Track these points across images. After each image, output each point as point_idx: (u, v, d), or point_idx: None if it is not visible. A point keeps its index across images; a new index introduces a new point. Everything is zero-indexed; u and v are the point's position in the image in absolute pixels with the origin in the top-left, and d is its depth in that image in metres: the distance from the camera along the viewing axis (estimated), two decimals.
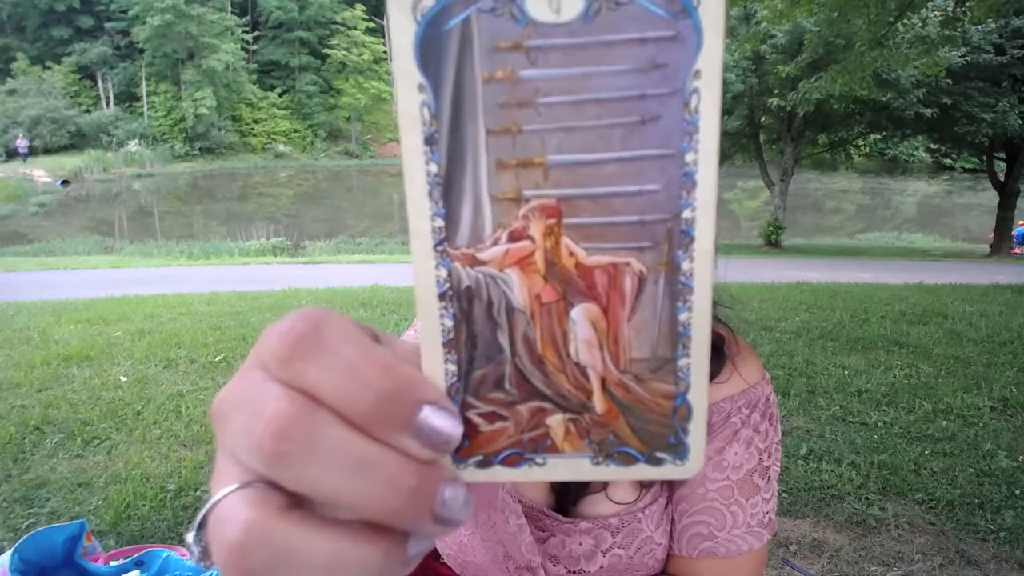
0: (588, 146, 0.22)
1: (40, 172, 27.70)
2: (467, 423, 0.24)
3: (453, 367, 0.24)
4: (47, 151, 31.70)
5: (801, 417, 3.60)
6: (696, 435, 0.24)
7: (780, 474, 0.95)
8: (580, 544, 0.78)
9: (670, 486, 0.79)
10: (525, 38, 0.21)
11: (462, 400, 0.24)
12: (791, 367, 4.40)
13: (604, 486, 0.77)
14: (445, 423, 0.22)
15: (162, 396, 3.76)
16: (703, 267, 0.23)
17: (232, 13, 38.57)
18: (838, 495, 2.78)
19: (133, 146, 33.27)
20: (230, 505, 0.21)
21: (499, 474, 0.25)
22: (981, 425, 3.50)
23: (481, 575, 0.75)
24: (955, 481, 2.90)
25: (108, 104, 36.61)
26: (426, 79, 0.22)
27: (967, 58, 12.31)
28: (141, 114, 36.18)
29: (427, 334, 0.24)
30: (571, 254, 0.23)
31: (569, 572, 0.79)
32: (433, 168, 0.22)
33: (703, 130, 0.22)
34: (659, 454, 0.25)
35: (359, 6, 40.26)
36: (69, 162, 29.92)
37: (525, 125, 0.22)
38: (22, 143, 29.33)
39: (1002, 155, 14.79)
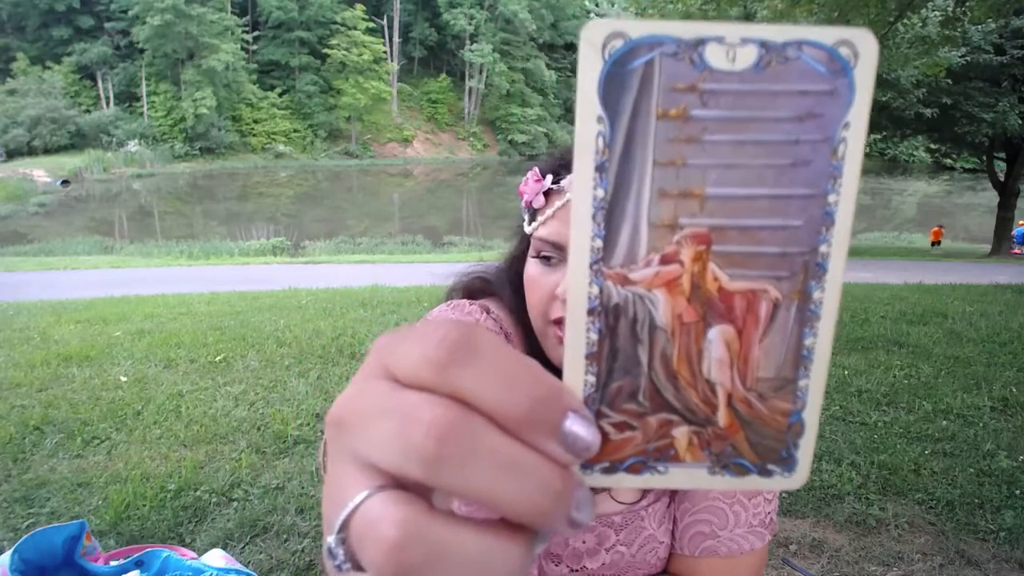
0: (744, 182, 0.24)
1: (40, 172, 27.69)
2: (599, 430, 0.26)
3: (592, 378, 0.26)
4: (47, 151, 31.70)
5: None
6: (805, 450, 0.26)
7: None
8: (584, 542, 0.78)
9: None
10: (701, 81, 0.24)
11: (597, 409, 0.26)
12: None
13: None
14: (587, 431, 0.24)
15: (162, 396, 3.76)
16: (832, 297, 0.26)
17: (232, 13, 38.56)
18: (838, 495, 2.78)
19: (133, 146, 33.30)
20: (378, 506, 0.22)
21: (623, 480, 0.26)
22: (981, 425, 3.50)
23: None
24: (955, 481, 2.90)
25: (108, 104, 36.62)
26: (605, 112, 0.24)
27: (967, 58, 12.31)
28: (141, 114, 36.19)
29: (572, 346, 0.26)
30: (715, 279, 0.25)
31: (571, 571, 0.79)
32: (600, 193, 0.24)
33: (846, 175, 0.24)
34: (770, 466, 0.27)
35: (359, 6, 40.23)
36: (69, 162, 29.93)
37: (690, 159, 0.24)
38: None
39: (1002, 155, 14.80)
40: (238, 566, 1.99)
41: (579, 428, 0.23)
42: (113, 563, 1.85)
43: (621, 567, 0.81)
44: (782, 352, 0.26)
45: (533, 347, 0.84)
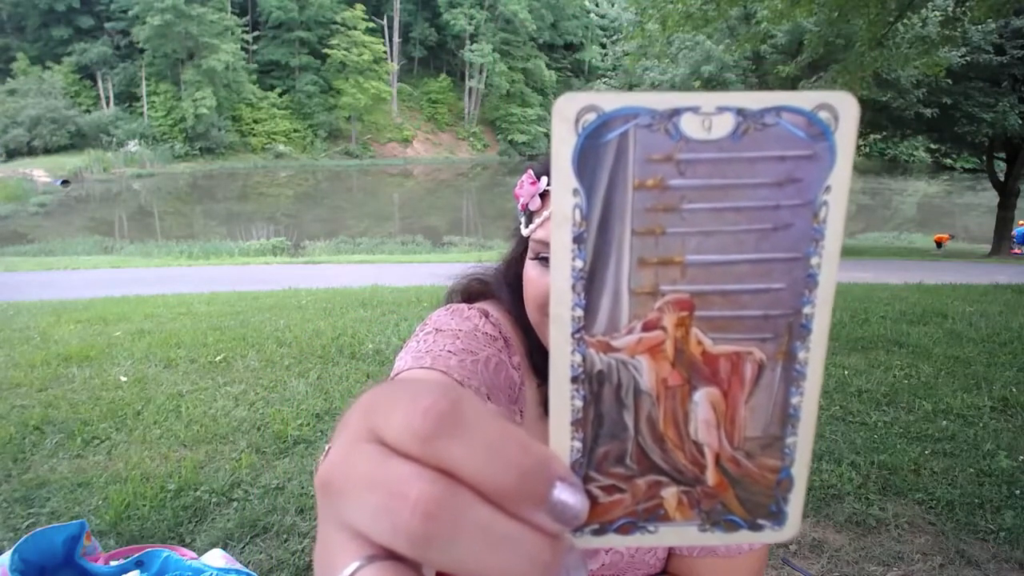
0: (724, 248, 0.24)
1: (40, 172, 27.68)
2: (588, 495, 0.26)
3: (579, 444, 0.26)
4: (47, 151, 31.68)
5: None
6: (795, 503, 0.27)
7: None
8: None
9: None
10: (677, 151, 0.24)
11: (584, 474, 0.26)
12: None
13: None
14: (575, 499, 0.23)
15: (162, 396, 3.76)
16: (816, 356, 0.25)
17: (232, 13, 38.51)
18: (838, 495, 2.78)
19: (133, 146, 33.26)
20: None
21: (611, 540, 0.27)
22: (981, 425, 3.50)
23: None
24: (955, 481, 2.90)
25: (108, 104, 36.58)
26: (581, 184, 0.24)
27: (967, 58, 12.29)
28: (141, 114, 36.14)
29: (557, 413, 0.26)
30: (699, 343, 0.25)
31: None
32: (579, 264, 0.24)
33: (828, 237, 0.24)
34: (760, 521, 0.27)
35: (359, 6, 40.20)
36: (69, 162, 29.91)
37: (669, 228, 0.24)
38: None
39: (1002, 155, 14.79)
40: (238, 566, 2.00)
41: (567, 497, 0.23)
42: (113, 563, 1.85)
43: (620, 567, 0.81)
44: (769, 411, 0.26)
45: (533, 346, 0.84)
